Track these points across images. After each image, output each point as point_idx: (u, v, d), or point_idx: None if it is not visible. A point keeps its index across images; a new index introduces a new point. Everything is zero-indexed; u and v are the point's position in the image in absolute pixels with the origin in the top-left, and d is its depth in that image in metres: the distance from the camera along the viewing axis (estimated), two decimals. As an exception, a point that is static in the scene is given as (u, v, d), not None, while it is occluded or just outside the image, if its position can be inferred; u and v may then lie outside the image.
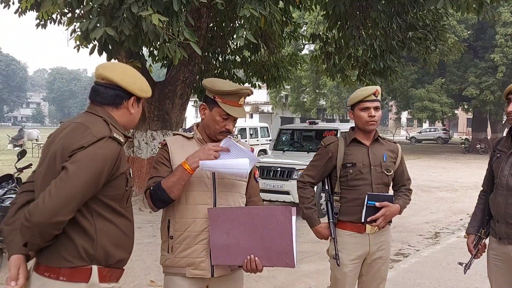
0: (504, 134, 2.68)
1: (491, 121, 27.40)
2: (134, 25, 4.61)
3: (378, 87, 2.64)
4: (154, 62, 9.20)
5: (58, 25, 7.12)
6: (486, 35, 24.45)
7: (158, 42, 5.00)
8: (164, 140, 2.20)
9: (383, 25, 7.72)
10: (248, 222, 1.92)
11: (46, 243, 1.58)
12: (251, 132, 18.04)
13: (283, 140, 10.11)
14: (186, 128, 2.30)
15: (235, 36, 5.19)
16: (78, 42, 5.31)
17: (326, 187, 2.73)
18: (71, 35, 5.56)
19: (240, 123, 23.49)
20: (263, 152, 16.94)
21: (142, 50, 7.72)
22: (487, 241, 2.68)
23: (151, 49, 8.57)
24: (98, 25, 4.48)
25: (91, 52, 5.07)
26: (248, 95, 2.18)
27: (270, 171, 8.29)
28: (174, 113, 8.44)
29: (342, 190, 2.64)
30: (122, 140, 1.67)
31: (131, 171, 1.76)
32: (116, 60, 7.19)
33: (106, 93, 1.74)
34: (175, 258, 2.10)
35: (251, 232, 1.93)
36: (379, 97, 2.64)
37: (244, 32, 5.08)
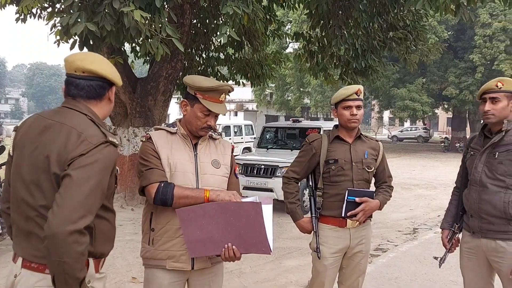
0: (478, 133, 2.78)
1: (470, 120, 27.96)
2: (116, 21, 4.58)
3: (360, 87, 2.72)
4: (137, 58, 9.13)
5: (38, 19, 7.02)
6: (466, 36, 24.91)
7: (140, 38, 4.97)
8: (147, 133, 2.21)
9: (364, 25, 7.81)
10: (220, 217, 1.96)
11: (79, 270, 1.50)
12: (236, 130, 18.05)
13: (267, 138, 10.16)
14: (169, 123, 2.32)
15: (218, 33, 5.19)
16: (58, 37, 5.25)
17: (310, 183, 2.81)
18: (51, 30, 5.48)
19: (225, 120, 23.46)
20: (248, 150, 16.97)
21: (124, 46, 7.65)
22: (460, 235, 2.78)
23: (133, 45, 8.50)
24: (79, 20, 4.43)
25: (72, 47, 5.01)
26: (229, 91, 2.22)
27: (254, 169, 8.33)
28: (156, 109, 8.39)
29: (324, 185, 2.72)
30: (117, 143, 1.67)
31: (117, 168, 1.76)
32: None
33: (90, 86, 1.71)
34: (156, 251, 2.12)
35: (225, 225, 1.97)
36: (361, 96, 2.72)
37: (227, 30, 5.09)
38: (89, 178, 1.53)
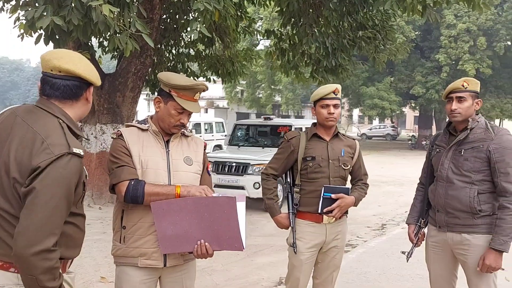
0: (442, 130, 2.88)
1: (436, 118, 28.82)
2: (84, 15, 4.47)
3: (338, 86, 2.78)
4: (104, 53, 8.92)
5: (1, 12, 6.74)
6: (432, 36, 25.63)
7: (109, 33, 4.86)
8: (118, 130, 2.18)
9: (335, 24, 7.92)
10: (194, 212, 1.96)
11: (53, 280, 1.52)
12: (206, 127, 17.93)
13: (238, 135, 10.15)
14: (140, 120, 2.28)
15: (189, 29, 5.14)
16: (22, 31, 5.07)
17: (288, 180, 2.86)
18: (14, 23, 5.28)
19: (195, 117, 23.25)
20: (218, 147, 16.90)
21: (91, 40, 7.47)
22: (426, 230, 2.86)
23: (101, 39, 8.30)
24: (45, 13, 4.29)
25: (37, 42, 4.85)
26: (204, 90, 2.22)
27: (225, 166, 8.31)
28: (125, 106, 8.23)
29: (302, 182, 2.78)
30: (82, 154, 1.60)
31: (86, 172, 1.72)
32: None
33: (67, 86, 1.64)
34: (127, 248, 2.10)
35: (198, 221, 1.96)
36: (338, 95, 2.78)
37: (198, 26, 5.05)
38: (52, 198, 1.50)
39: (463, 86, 2.59)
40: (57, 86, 1.64)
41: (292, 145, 2.81)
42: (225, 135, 18.41)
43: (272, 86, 30.00)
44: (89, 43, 7.83)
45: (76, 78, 1.65)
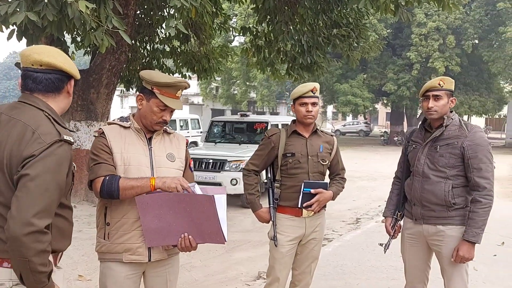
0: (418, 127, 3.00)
1: (407, 115, 29.47)
2: (58, 11, 4.39)
3: (316, 84, 2.87)
4: (77, 49, 8.75)
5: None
6: (403, 34, 26.17)
7: (84, 29, 4.79)
8: (100, 128, 2.20)
9: (310, 22, 8.00)
10: (177, 207, 2.00)
11: (44, 265, 1.53)
12: (181, 124, 17.81)
13: (214, 132, 10.16)
14: (122, 117, 2.30)
15: (164, 25, 5.11)
16: (-7, 26, 4.93)
17: (269, 175, 2.95)
18: (-15, 18, 5.13)
19: (170, 114, 22.97)
20: (194, 144, 16.82)
21: (64, 36, 7.31)
22: (402, 222, 2.99)
23: (74, 35, 8.14)
24: (18, 9, 4.20)
25: (9, 38, 4.73)
26: (186, 88, 2.25)
27: (202, 163, 8.32)
28: (99, 103, 8.11)
29: (282, 177, 2.87)
30: (72, 140, 1.65)
31: (74, 165, 1.75)
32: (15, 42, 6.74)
33: (48, 80, 1.68)
34: (112, 245, 2.12)
35: (181, 215, 2.01)
36: (316, 94, 2.88)
37: (175, 23, 5.03)
38: (45, 180, 1.53)
39: (439, 84, 2.71)
40: (39, 80, 1.68)
41: (273, 142, 2.90)
42: (201, 132, 18.35)
43: (247, 83, 30.01)
44: (62, 39, 7.67)
45: (57, 71, 1.69)
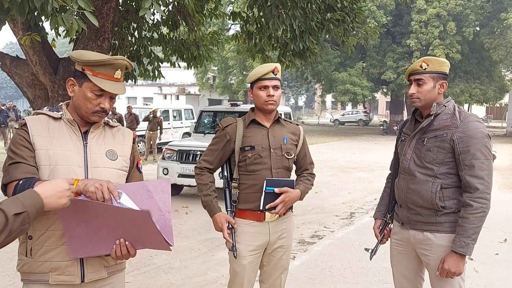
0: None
1: (407, 104, 29.07)
2: (18, -11, 4.00)
3: (277, 65, 2.45)
4: (58, 36, 8.33)
5: None
6: (403, 21, 25.69)
7: (49, 10, 4.39)
8: (23, 119, 1.81)
9: (302, 6, 7.58)
10: (107, 216, 1.62)
11: None
12: (175, 114, 17.43)
13: (204, 122, 9.80)
14: (52, 107, 1.92)
15: (140, 7, 4.69)
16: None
17: (225, 173, 2.52)
18: None
19: (164, 104, 22.62)
20: (188, 134, 16.46)
21: (42, 21, 6.90)
22: (392, 226, 2.60)
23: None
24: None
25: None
26: (126, 68, 1.86)
27: (189, 155, 7.96)
28: (82, 93, 7.73)
29: (240, 175, 2.45)
30: None
31: None
32: (12, 32, 6.37)
33: None
34: (36, 263, 1.74)
35: (114, 223, 1.63)
36: (278, 75, 2.45)
37: (151, 4, 4.62)
38: None
39: (421, 67, 2.28)
40: None
41: (228, 134, 2.47)
42: (195, 122, 17.97)
43: (244, 72, 29.53)
44: (41, 25, 7.26)
45: None
